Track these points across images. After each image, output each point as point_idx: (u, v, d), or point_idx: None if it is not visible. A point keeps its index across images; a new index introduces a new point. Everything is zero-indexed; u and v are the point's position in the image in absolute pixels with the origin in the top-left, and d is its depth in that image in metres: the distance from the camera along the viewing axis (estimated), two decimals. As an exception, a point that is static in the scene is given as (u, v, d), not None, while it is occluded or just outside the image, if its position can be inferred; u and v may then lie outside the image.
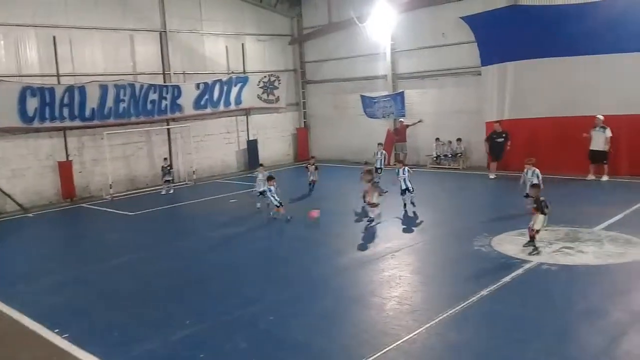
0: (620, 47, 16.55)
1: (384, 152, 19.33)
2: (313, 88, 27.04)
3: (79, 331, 7.97)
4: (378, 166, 18.53)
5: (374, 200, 13.20)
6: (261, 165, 17.22)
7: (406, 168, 14.39)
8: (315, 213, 13.73)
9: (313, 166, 18.24)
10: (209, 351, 7.18)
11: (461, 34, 20.30)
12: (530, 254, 10.14)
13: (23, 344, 7.80)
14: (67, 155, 19.29)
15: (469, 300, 8.22)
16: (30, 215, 17.46)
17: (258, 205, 15.52)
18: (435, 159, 21.85)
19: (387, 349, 6.89)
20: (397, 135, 22.78)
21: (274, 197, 14.16)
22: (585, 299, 8.24)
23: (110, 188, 19.57)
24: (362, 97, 23.55)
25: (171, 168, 20.68)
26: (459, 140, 21.22)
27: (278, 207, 14.14)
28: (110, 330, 8.02)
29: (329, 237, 12.66)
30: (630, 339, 6.85)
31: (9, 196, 17.82)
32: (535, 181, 12.57)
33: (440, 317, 7.74)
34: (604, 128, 16.66)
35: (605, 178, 16.74)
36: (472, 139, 20.91)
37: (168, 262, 11.49)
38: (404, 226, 13.27)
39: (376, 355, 6.72)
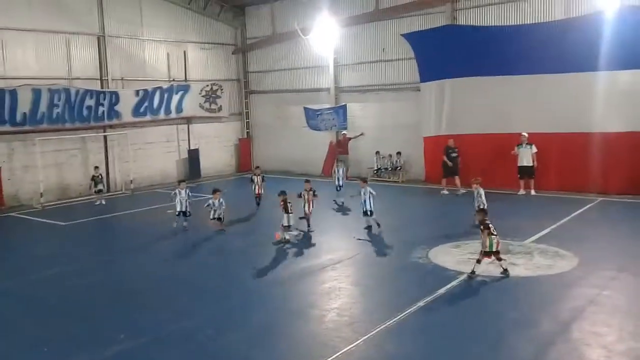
0: (550, 67, 17.45)
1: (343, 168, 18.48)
2: (257, 98, 26.96)
3: (4, 348, 7.55)
4: (338, 184, 17.85)
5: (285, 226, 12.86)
6: (182, 181, 15.70)
7: (368, 189, 13.63)
8: (278, 235, 12.94)
9: (259, 177, 17.37)
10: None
11: (402, 50, 20.84)
12: (502, 274, 9.89)
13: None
14: (-5, 162, 18.33)
15: (406, 312, 8.38)
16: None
17: (175, 225, 14.47)
18: (375, 172, 22.20)
19: (326, 360, 6.92)
20: (339, 148, 23.01)
21: (215, 210, 14.04)
22: (516, 309, 8.57)
23: (41, 197, 18.71)
24: (306, 109, 23.66)
25: (102, 178, 19.73)
26: (398, 154, 21.66)
27: (219, 220, 14.05)
28: (38, 346, 7.64)
29: (269, 249, 12.58)
30: (558, 349, 7.17)
31: None
32: (479, 203, 13.01)
33: (379, 329, 7.85)
34: (530, 145, 17.51)
35: (533, 192, 17.54)
36: (411, 153, 21.39)
37: (99, 275, 11.09)
38: (345, 238, 13.39)
39: (318, 367, 6.74)
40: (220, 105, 25.51)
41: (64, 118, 19.78)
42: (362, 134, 22.54)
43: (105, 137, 21.57)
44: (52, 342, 7.79)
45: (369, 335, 7.69)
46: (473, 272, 9.87)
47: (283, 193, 13.14)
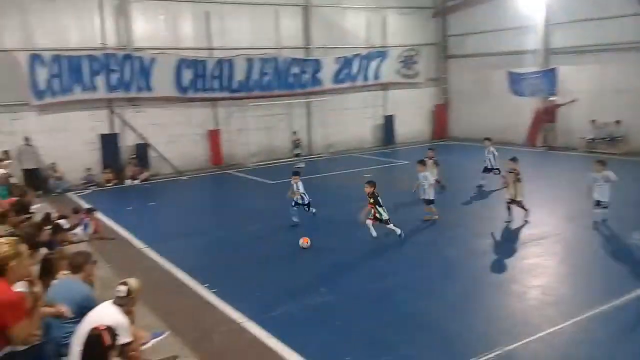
0: None
1: (491, 149, 15.07)
2: (455, 63, 25.99)
3: (224, 288, 8.49)
4: (490, 167, 14.90)
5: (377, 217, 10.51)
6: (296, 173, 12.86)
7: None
8: (306, 241, 10.47)
9: (431, 160, 13.63)
10: (344, 319, 7.29)
11: (626, 4, 18.13)
12: None
13: (176, 293, 8.52)
14: (217, 125, 20.59)
15: (623, 298, 7.46)
16: (184, 178, 18.99)
17: (295, 219, 12.21)
18: (590, 142, 20.01)
19: (528, 339, 6.49)
20: (546, 115, 21.21)
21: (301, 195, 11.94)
22: None
23: (253, 157, 20.60)
24: (509, 73, 22.15)
25: (300, 142, 20.89)
26: (617, 122, 19.21)
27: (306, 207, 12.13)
28: (252, 290, 8.46)
29: (468, 220, 12.13)
30: None
31: (166, 159, 19.49)
32: None
33: (590, 313, 7.12)
34: None
35: None
36: (633, 122, 18.81)
37: (304, 232, 11.79)
38: (550, 213, 12.34)
39: (515, 345, 6.37)
40: (417, 71, 25.19)
41: (272, 85, 21.40)
42: (573, 100, 20.40)
43: (307, 103, 22.82)
44: (264, 288, 8.57)
45: (577, 318, 7.02)
46: None
47: (371, 183, 10.66)
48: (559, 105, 20.72)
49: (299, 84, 22.12)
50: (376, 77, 24.04)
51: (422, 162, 12.18)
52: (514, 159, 11.80)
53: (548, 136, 21.36)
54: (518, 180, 11.27)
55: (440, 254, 9.96)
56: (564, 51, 21.00)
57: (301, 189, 12.07)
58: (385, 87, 24.70)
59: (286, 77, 21.73)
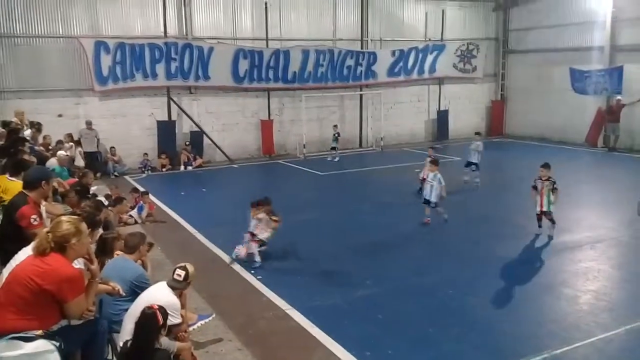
0: None
1: (478, 144, 14.88)
2: (514, 58, 25.21)
3: (271, 275, 8.65)
4: (472, 161, 14.80)
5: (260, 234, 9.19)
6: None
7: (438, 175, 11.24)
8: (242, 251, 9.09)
9: (429, 159, 12.45)
10: (387, 313, 7.29)
11: None
12: None
13: (223, 277, 8.72)
14: (269, 115, 20.83)
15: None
16: (235, 166, 19.34)
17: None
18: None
19: (579, 344, 6.30)
20: (610, 115, 20.32)
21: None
22: None
23: (304, 148, 20.74)
24: (572, 70, 21.30)
25: (338, 136, 20.32)
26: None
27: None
28: (298, 279, 8.59)
29: (522, 219, 11.82)
30: None
31: (219, 147, 19.91)
32: None
33: (646, 322, 6.85)
34: None
35: None
36: None
37: (350, 223, 11.83)
38: (608, 216, 11.87)
39: (564, 349, 6.20)
40: (475, 66, 24.63)
41: (326, 77, 21.42)
42: (639, 100, 19.47)
43: (360, 95, 22.73)
44: (308, 277, 8.68)
45: (632, 325, 6.76)
46: None
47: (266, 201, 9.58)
48: (623, 105, 19.80)
49: (353, 76, 22.04)
50: (432, 71, 23.66)
51: (434, 162, 11.67)
52: (546, 166, 10.30)
53: (609, 137, 20.47)
54: (554, 189, 10.10)
55: (488, 253, 9.75)
56: (631, 48, 19.96)
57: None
58: (440, 81, 24.27)
59: (341, 69, 21.70)
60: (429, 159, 12.41)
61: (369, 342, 6.47)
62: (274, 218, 9.34)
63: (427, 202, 11.41)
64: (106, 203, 9.68)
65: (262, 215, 9.18)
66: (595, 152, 20.37)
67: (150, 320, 4.59)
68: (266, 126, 20.66)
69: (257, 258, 9.07)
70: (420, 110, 24.31)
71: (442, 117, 24.29)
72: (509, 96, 25.64)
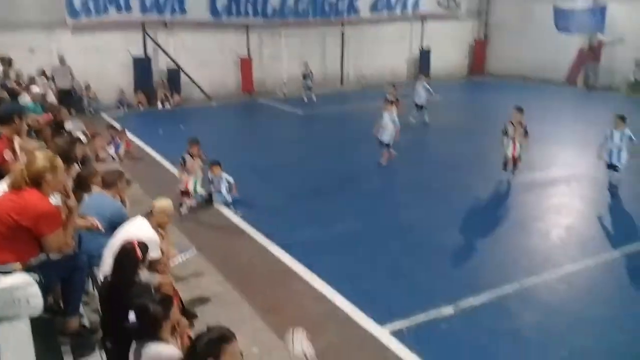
0: None
1: (425, 85, 15.25)
2: (499, -5, 24.78)
3: (251, 213, 8.70)
4: (419, 104, 15.22)
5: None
6: None
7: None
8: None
9: (391, 98, 12.72)
10: (365, 246, 7.48)
11: None
12: None
13: (203, 213, 8.77)
14: (249, 51, 20.36)
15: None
16: (214, 104, 19.05)
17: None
18: (633, 84, 19.19)
19: (548, 275, 6.56)
20: (591, 54, 20.29)
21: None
22: None
23: (284, 86, 20.44)
24: (556, 8, 21.05)
25: (311, 74, 19.57)
26: (666, 64, 18.31)
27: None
28: (280, 216, 8.66)
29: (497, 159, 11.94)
30: None
31: (197, 85, 19.52)
32: None
33: (615, 255, 7.13)
34: None
35: None
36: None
37: (331, 163, 11.84)
38: (583, 155, 12.05)
39: (533, 280, 6.45)
40: (459, 2, 24.15)
41: (307, 12, 20.87)
42: (620, 39, 19.41)
43: (342, 32, 22.24)
44: (292, 215, 8.77)
45: (599, 258, 7.05)
46: None
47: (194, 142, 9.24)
48: (603, 44, 19.76)
49: (335, 12, 21.51)
50: (415, 7, 23.16)
51: (389, 101, 11.33)
52: (519, 110, 9.79)
53: (589, 76, 20.54)
54: (526, 134, 9.76)
55: (465, 189, 9.94)
56: (615, -14, 19.78)
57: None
58: (423, 18, 23.80)
59: (322, 4, 21.13)
60: (390, 98, 12.13)
61: (347, 274, 6.64)
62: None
63: (381, 142, 11.19)
64: (85, 140, 9.53)
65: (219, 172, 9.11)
66: (574, 91, 20.49)
67: (129, 255, 4.61)
68: (245, 63, 20.24)
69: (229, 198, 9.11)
70: (403, 48, 23.96)
71: (425, 56, 24.00)
72: (491, 34, 25.35)
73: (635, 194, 9.60)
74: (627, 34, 19.35)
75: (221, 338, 3.37)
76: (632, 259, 7.05)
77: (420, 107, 15.19)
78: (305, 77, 19.41)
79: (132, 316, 3.61)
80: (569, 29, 20.86)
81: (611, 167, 9.54)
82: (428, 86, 15.24)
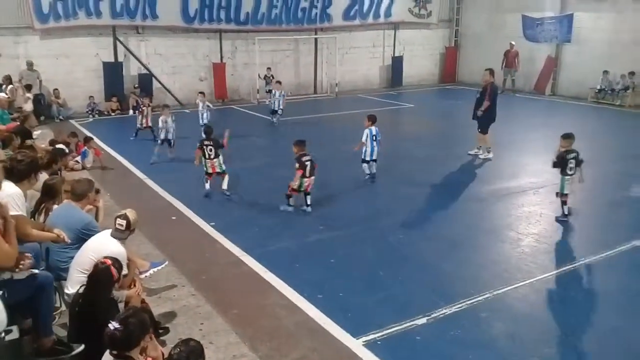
0: None
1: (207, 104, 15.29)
2: (469, 3, 25.15)
3: (224, 223, 8.61)
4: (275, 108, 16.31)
5: None
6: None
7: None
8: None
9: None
10: (339, 257, 7.45)
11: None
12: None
13: (175, 224, 8.65)
14: (222, 58, 20.23)
15: (617, 249, 7.58)
16: (187, 111, 18.81)
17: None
18: (598, 92, 19.71)
19: (519, 284, 6.65)
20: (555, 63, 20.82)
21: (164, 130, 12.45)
22: None
23: (257, 93, 20.36)
24: (524, 17, 21.50)
25: (272, 78, 19.63)
26: (631, 74, 18.81)
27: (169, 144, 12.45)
28: (251, 225, 8.58)
29: (463, 163, 12.12)
30: None
31: (169, 91, 19.29)
32: None
33: (582, 262, 7.29)
34: None
35: None
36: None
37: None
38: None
39: (505, 289, 6.52)
40: (430, 11, 24.48)
41: (280, 19, 20.87)
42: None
43: (315, 39, 22.30)
44: (262, 224, 8.69)
45: (569, 266, 7.18)
46: None
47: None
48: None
49: (308, 19, 21.55)
50: (388, 15, 23.37)
51: (370, 117, 10.86)
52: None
53: (555, 84, 21.07)
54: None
55: (437, 199, 10.05)
56: (582, -4, 20.31)
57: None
58: (396, 26, 24.02)
59: (295, 11, 21.16)
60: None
61: (321, 285, 6.61)
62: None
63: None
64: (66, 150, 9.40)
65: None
66: (542, 99, 20.95)
67: (104, 275, 4.52)
68: (218, 70, 20.11)
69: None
70: (375, 56, 24.14)
71: (397, 64, 24.23)
72: (462, 42, 25.73)
73: (607, 201, 9.82)
74: (595, 44, 19.84)
75: (193, 351, 3.37)
76: (601, 268, 7.20)
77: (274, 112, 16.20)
78: (266, 81, 19.91)
79: (112, 325, 3.52)
80: (537, 38, 21.35)
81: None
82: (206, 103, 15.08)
